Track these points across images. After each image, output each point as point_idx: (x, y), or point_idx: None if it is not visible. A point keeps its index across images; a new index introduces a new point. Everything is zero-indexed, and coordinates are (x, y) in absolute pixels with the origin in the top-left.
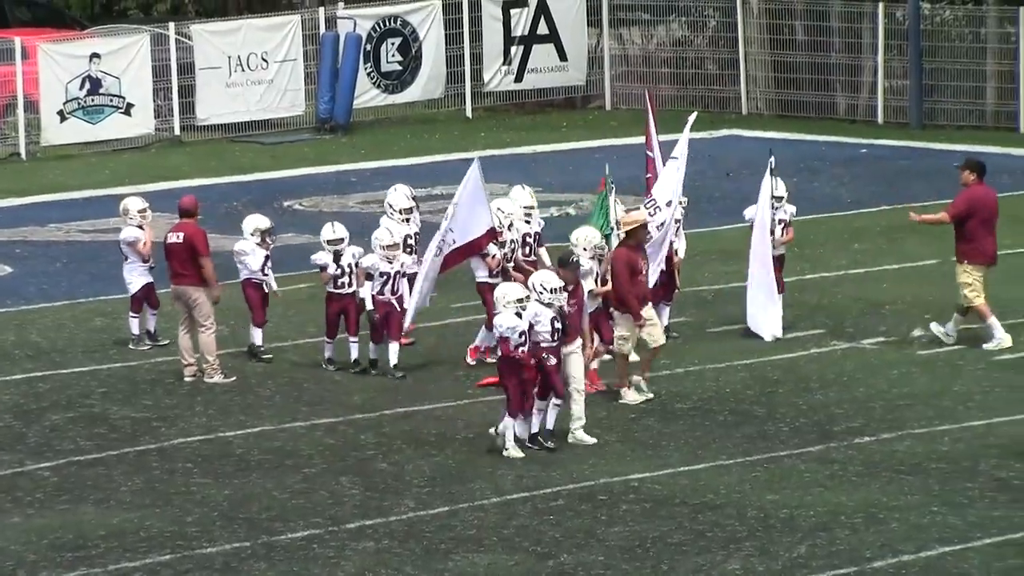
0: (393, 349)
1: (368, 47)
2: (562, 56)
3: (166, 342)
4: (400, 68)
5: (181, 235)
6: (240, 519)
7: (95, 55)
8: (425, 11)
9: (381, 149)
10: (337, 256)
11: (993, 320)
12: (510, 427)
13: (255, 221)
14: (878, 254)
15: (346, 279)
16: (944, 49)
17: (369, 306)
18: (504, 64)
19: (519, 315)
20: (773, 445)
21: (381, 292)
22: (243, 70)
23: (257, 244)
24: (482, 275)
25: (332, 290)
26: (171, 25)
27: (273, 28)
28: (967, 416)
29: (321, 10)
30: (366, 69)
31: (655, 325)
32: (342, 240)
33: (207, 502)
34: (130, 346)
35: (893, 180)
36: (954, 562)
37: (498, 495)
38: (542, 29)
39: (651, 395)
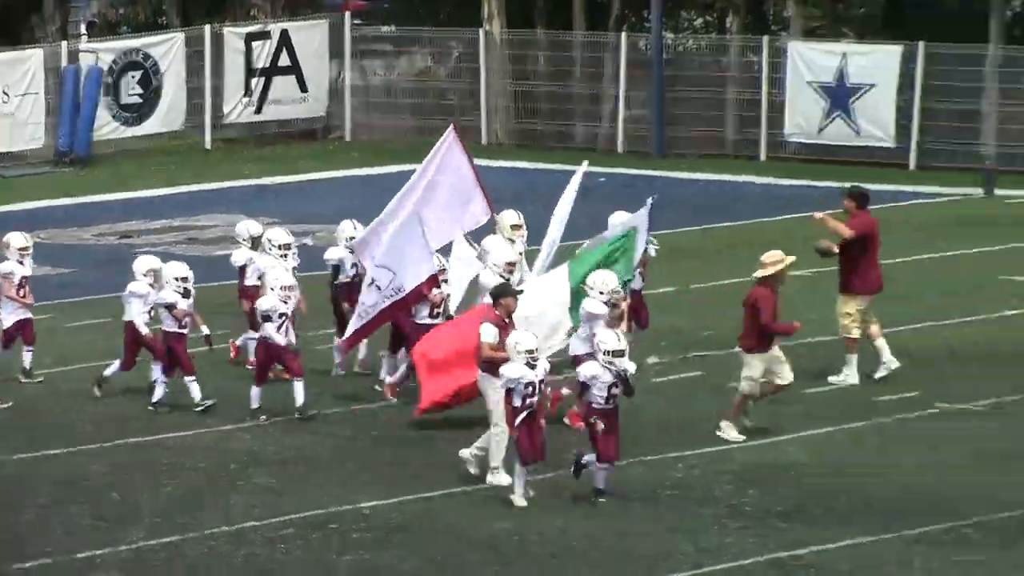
0: (299, 389)
1: (109, 80)
2: (303, 87)
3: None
4: (140, 100)
5: None
6: None
7: None
8: (167, 44)
9: (120, 181)
10: (187, 294)
11: (854, 358)
12: (520, 475)
13: (147, 262)
14: None
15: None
16: (686, 78)
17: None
18: (245, 96)
19: (531, 366)
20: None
21: (276, 332)
22: None
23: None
24: (424, 315)
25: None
26: None
27: (15, 62)
28: (702, 443)
29: (64, 44)
30: (106, 102)
31: (784, 363)
32: (188, 279)
33: None
34: None
35: (632, 208)
36: None
37: (228, 524)
38: (284, 61)
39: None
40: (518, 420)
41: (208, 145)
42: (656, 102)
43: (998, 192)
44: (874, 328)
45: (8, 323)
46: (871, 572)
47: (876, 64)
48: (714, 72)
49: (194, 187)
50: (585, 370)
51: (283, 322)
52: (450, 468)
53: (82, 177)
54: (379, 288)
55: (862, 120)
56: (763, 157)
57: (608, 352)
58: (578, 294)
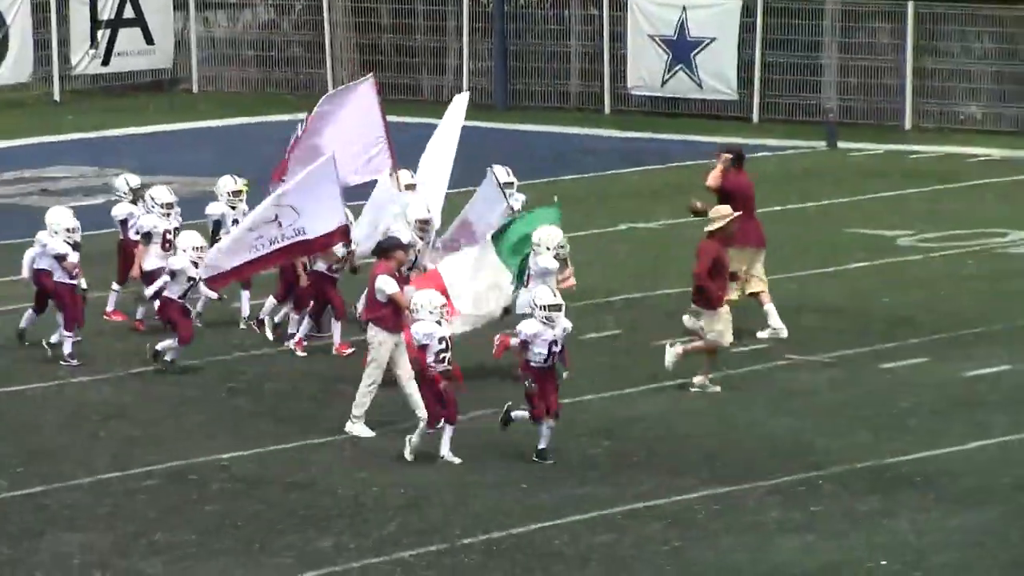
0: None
1: None
2: (149, 40)
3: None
4: None
5: None
6: None
7: None
8: None
9: None
10: (76, 246)
11: (769, 307)
12: (420, 434)
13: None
14: None
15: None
16: (529, 31)
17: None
18: (91, 47)
19: (439, 323)
20: None
21: (183, 296)
22: None
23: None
24: (322, 266)
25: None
26: None
27: None
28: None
29: None
30: None
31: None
32: (76, 229)
33: None
34: None
35: (476, 161)
36: (544, 539)
37: (91, 475)
38: (128, 13)
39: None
40: (430, 375)
41: (57, 97)
42: (498, 55)
43: (841, 145)
44: (760, 289)
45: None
46: (727, 521)
47: (716, 17)
48: (556, 25)
49: (44, 139)
50: (526, 328)
51: (191, 285)
52: (311, 420)
53: None
54: (279, 225)
55: (704, 74)
56: (607, 111)
57: (544, 307)
58: (514, 254)
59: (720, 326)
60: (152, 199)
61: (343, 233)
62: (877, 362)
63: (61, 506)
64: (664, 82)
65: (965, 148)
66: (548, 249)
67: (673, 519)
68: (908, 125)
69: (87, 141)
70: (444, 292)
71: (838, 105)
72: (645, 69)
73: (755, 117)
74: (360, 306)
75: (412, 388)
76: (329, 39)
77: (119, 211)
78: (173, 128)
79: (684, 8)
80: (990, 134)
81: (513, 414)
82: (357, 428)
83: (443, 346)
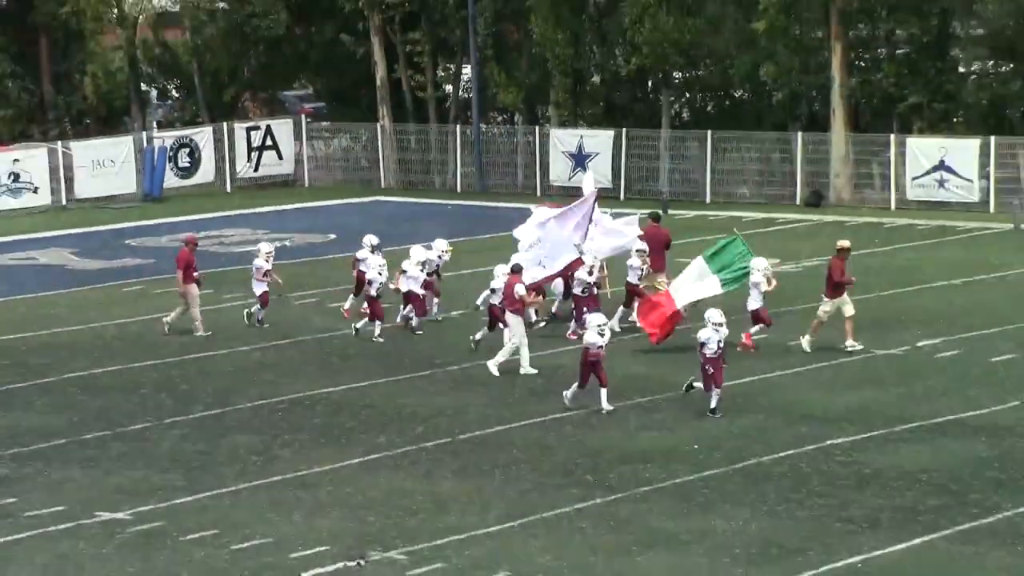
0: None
1: (170, 154)
2: (280, 156)
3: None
4: (188, 165)
5: None
6: None
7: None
8: (203, 134)
9: (181, 210)
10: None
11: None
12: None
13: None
14: None
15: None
16: (494, 148)
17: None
18: (248, 162)
19: (600, 335)
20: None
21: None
22: None
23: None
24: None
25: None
26: None
27: (118, 144)
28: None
29: (144, 134)
30: (170, 166)
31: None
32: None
33: None
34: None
35: (460, 223)
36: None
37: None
38: (269, 142)
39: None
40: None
41: (228, 190)
42: (477, 162)
43: (671, 211)
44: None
45: (258, 291)
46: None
47: (599, 141)
48: (509, 145)
49: (221, 214)
50: (701, 335)
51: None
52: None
53: (158, 208)
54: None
55: (593, 173)
56: (538, 193)
57: (715, 323)
58: (728, 270)
59: (829, 307)
60: (411, 258)
61: (576, 264)
62: None
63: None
64: (570, 177)
65: (740, 212)
66: (758, 271)
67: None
68: (708, 199)
69: (246, 216)
70: (672, 302)
71: (668, 188)
72: (559, 171)
73: (622, 196)
74: (480, 301)
75: (523, 351)
76: (381, 157)
77: (360, 255)
78: (294, 206)
79: (581, 136)
80: (755, 205)
81: (694, 384)
82: (492, 366)
83: (598, 350)
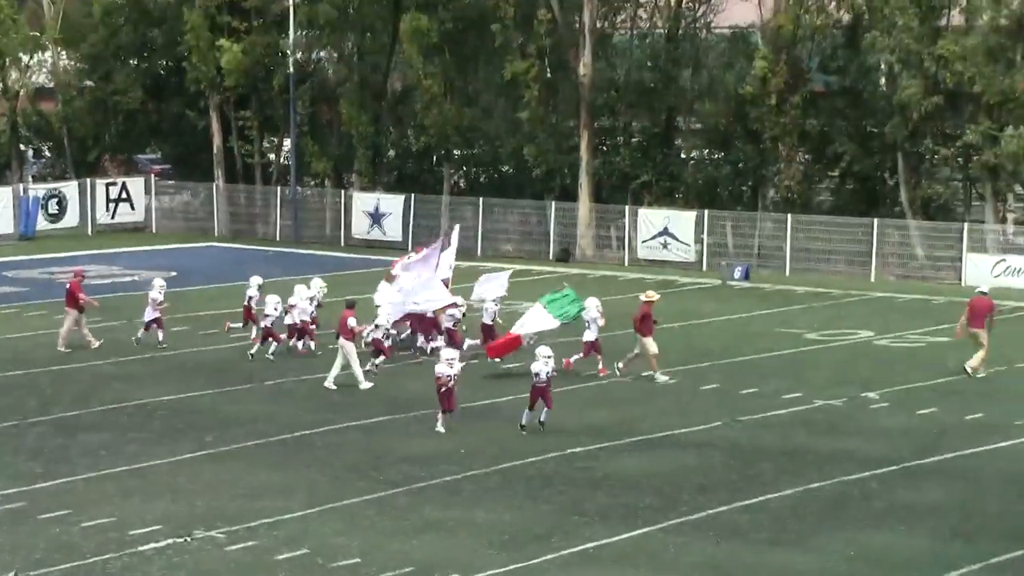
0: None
1: (43, 202)
2: (132, 208)
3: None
4: (58, 211)
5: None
6: None
7: None
8: (70, 187)
9: (51, 249)
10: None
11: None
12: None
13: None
14: None
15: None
16: (307, 208)
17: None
18: (107, 212)
19: (450, 365)
20: None
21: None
22: None
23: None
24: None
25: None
26: None
27: None
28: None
29: (21, 185)
30: (42, 212)
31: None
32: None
33: None
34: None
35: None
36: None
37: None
38: (124, 195)
39: None
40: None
41: (90, 233)
42: (294, 217)
43: None
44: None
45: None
46: None
47: (393, 203)
48: (319, 205)
49: (83, 252)
50: (533, 367)
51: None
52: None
53: (31, 247)
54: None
55: (387, 228)
56: (343, 243)
57: (544, 356)
58: (562, 308)
59: None
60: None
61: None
62: None
63: None
64: (368, 232)
65: (505, 264)
66: (594, 308)
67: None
68: (479, 253)
69: (104, 255)
70: (516, 337)
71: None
72: (361, 227)
73: (410, 248)
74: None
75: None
76: (217, 210)
77: (250, 292)
78: (144, 248)
79: (379, 199)
80: (516, 258)
81: (524, 424)
82: (328, 382)
83: (449, 380)
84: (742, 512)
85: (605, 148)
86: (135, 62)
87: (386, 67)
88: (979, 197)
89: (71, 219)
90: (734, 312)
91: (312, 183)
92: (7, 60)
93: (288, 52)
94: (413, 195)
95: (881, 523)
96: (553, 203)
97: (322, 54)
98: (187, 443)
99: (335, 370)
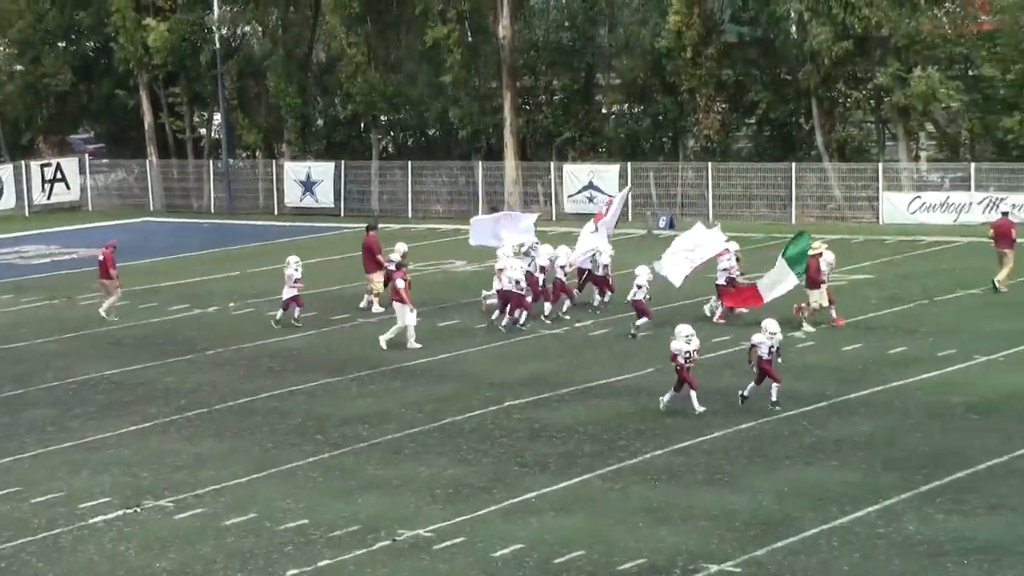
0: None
1: None
2: (68, 187)
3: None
4: None
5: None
6: None
7: None
8: (5, 170)
9: None
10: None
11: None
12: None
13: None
14: None
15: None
16: (241, 178)
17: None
18: (43, 192)
19: (687, 341)
20: None
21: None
22: None
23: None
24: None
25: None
26: None
27: None
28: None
29: None
30: None
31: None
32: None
33: None
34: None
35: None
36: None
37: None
38: (59, 175)
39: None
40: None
41: (27, 214)
42: (227, 189)
43: (380, 225)
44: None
45: (286, 296)
46: None
47: (324, 171)
48: (251, 176)
49: (20, 233)
50: (755, 338)
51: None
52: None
53: None
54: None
55: (319, 195)
56: (276, 212)
57: (770, 331)
58: (795, 264)
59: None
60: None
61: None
62: None
63: None
64: (301, 199)
65: (434, 225)
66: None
67: None
68: (410, 215)
69: (41, 234)
70: (756, 292)
71: (379, 207)
72: (293, 194)
73: (342, 213)
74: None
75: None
76: (150, 185)
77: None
78: (80, 227)
79: (310, 167)
80: (446, 219)
81: (745, 395)
82: (382, 340)
83: (688, 356)
84: (677, 455)
85: (528, 107)
86: (63, 45)
87: (310, 38)
88: (892, 137)
89: (7, 201)
90: None
91: (244, 155)
92: None
93: (213, 28)
94: (343, 162)
95: (812, 458)
96: (480, 163)
97: (247, 29)
98: (132, 416)
99: (393, 331)
